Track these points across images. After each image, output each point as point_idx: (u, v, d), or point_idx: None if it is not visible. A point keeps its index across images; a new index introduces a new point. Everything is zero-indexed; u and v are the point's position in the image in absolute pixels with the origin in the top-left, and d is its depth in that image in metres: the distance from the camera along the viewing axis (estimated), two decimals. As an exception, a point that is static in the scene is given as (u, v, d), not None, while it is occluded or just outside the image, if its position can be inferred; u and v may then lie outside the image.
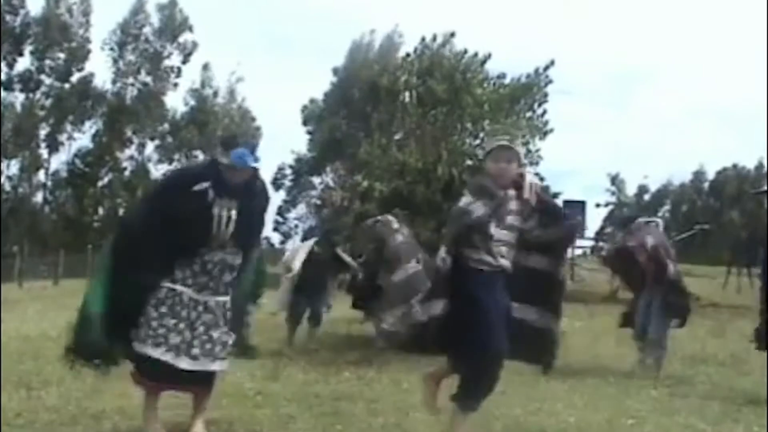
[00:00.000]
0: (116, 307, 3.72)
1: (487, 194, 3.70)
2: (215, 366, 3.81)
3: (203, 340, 3.75)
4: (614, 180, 44.50)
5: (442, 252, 3.77)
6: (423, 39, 10.75)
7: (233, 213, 3.79)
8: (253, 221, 3.96)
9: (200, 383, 3.88)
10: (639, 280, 7.23)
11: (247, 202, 3.87)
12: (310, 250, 8.57)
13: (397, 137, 10.68)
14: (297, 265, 8.40)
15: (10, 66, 35.89)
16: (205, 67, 40.59)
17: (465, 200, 3.75)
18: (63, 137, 37.95)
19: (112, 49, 38.09)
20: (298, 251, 8.77)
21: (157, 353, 3.68)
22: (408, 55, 11.03)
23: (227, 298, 3.88)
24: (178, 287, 3.76)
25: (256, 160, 3.82)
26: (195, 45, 38.99)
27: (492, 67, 10.49)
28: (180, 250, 3.75)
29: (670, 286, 6.97)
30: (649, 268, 7.07)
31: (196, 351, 3.72)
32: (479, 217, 3.66)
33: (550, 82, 10.11)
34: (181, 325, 3.71)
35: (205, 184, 3.75)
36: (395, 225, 7.26)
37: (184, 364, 3.70)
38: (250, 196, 3.89)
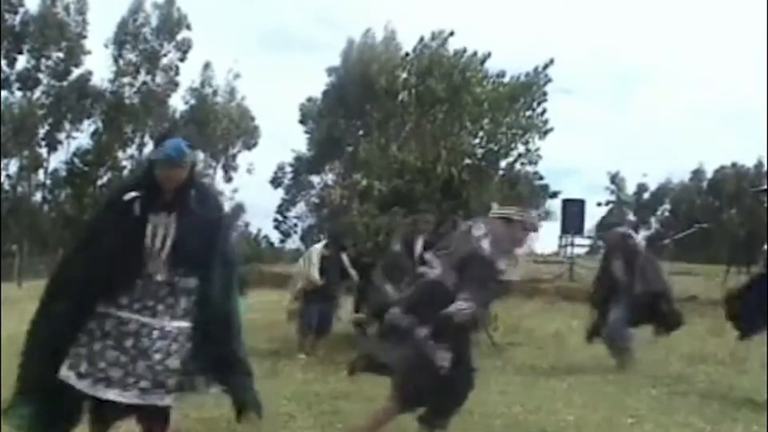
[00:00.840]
0: (50, 346, 3.22)
1: None
2: (167, 401, 3.24)
3: (156, 371, 3.19)
4: (614, 179, 44.51)
5: None
6: (422, 38, 10.74)
7: (171, 229, 3.28)
8: (197, 239, 3.33)
9: (153, 419, 3.32)
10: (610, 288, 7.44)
11: (188, 215, 3.32)
12: (320, 255, 8.40)
13: (395, 136, 10.67)
14: (316, 275, 8.24)
15: (11, 65, 35.87)
16: (207, 66, 40.65)
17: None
18: (62, 136, 37.97)
19: (114, 48, 38.07)
20: (311, 258, 8.50)
21: (97, 391, 3.16)
22: (407, 54, 11.01)
23: (190, 324, 3.30)
24: (125, 314, 3.22)
25: (191, 155, 3.34)
26: (191, 42, 38.95)
27: (491, 66, 10.48)
28: (118, 272, 3.23)
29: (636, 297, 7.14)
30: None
31: (145, 383, 3.18)
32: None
33: (550, 80, 10.08)
34: (123, 358, 3.17)
35: (133, 194, 3.28)
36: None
37: (132, 398, 3.17)
38: (189, 206, 3.34)
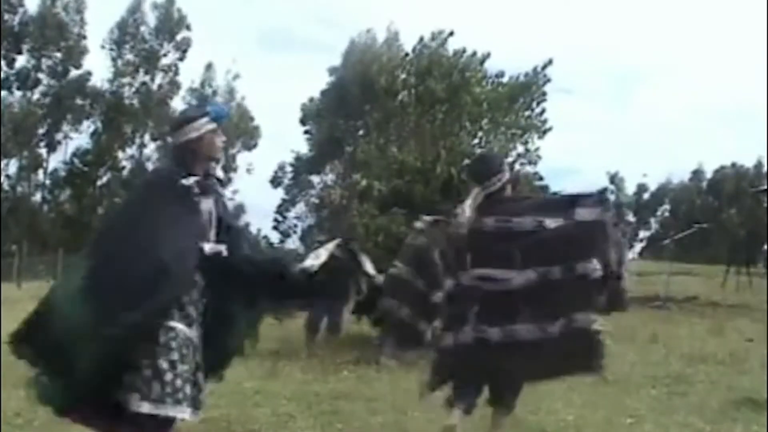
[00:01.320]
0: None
1: None
2: (198, 416, 3.01)
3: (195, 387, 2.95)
4: (613, 179, 44.54)
5: None
6: (421, 38, 10.78)
7: (214, 214, 3.02)
8: (231, 219, 3.16)
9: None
10: None
11: (220, 196, 3.09)
12: (331, 253, 8.25)
13: (395, 136, 10.70)
14: (315, 263, 7.90)
15: (10, 65, 35.87)
16: (209, 67, 40.71)
17: None
18: (61, 136, 37.98)
19: (112, 49, 38.06)
20: (318, 253, 8.35)
21: (183, 413, 2.83)
22: (407, 54, 11.05)
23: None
24: (175, 324, 2.86)
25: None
26: (190, 42, 38.96)
27: (491, 66, 10.53)
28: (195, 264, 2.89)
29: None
30: None
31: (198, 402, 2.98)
32: None
33: (549, 80, 10.16)
34: (187, 373, 2.87)
35: (193, 179, 2.93)
36: None
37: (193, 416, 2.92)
38: (220, 185, 3.13)
